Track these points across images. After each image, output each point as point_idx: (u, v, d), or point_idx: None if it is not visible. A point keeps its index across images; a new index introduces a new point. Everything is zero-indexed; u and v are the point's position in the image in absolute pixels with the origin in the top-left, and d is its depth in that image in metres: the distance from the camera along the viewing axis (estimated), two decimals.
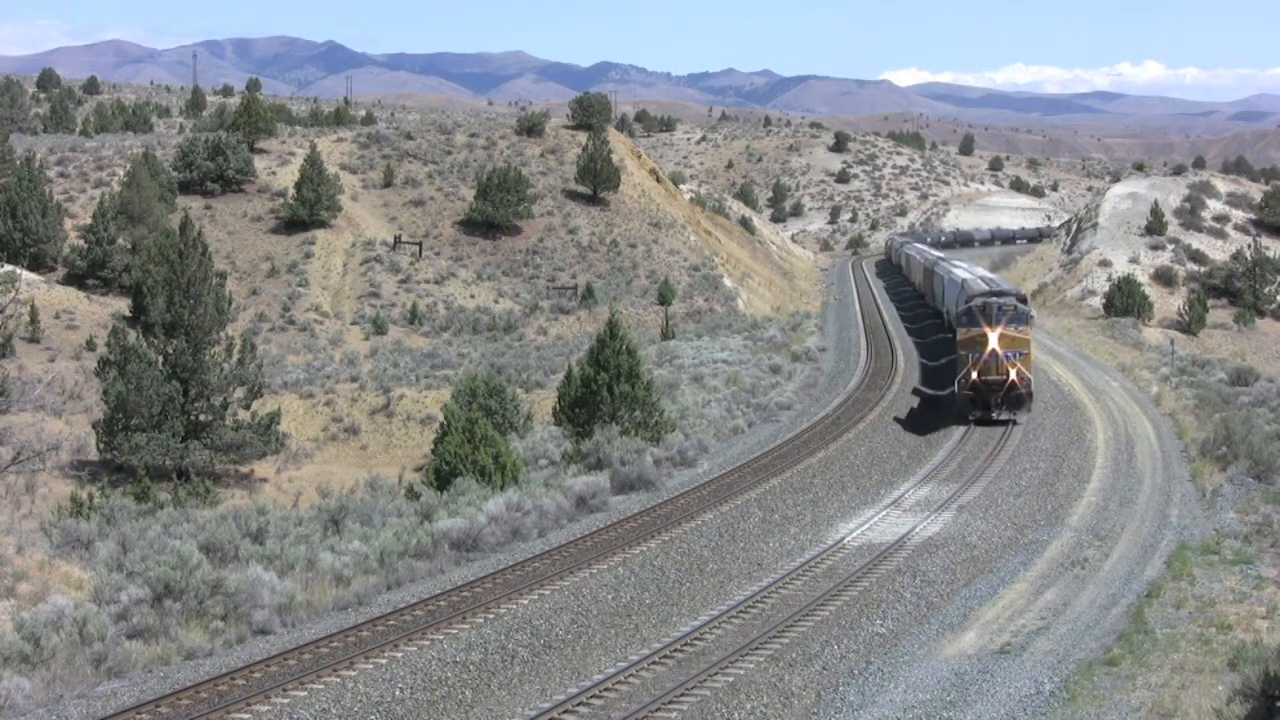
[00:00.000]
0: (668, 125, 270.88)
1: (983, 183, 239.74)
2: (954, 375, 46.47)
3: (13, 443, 40.81)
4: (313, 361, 66.89)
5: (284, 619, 23.88)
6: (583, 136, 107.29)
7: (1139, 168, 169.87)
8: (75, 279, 73.79)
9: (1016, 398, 43.70)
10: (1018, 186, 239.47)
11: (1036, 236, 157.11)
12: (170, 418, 44.11)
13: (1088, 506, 33.01)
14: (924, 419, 46.12)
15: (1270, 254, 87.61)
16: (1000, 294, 49.05)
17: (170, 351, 45.30)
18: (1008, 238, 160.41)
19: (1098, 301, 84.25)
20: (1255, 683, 18.35)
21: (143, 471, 38.49)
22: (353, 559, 26.93)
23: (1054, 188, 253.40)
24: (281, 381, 58.75)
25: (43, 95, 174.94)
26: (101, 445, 44.06)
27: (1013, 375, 43.52)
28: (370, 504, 31.85)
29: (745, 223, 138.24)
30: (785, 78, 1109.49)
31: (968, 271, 65.91)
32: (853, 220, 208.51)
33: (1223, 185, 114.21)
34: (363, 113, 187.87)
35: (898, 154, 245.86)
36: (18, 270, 54.18)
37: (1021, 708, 19.58)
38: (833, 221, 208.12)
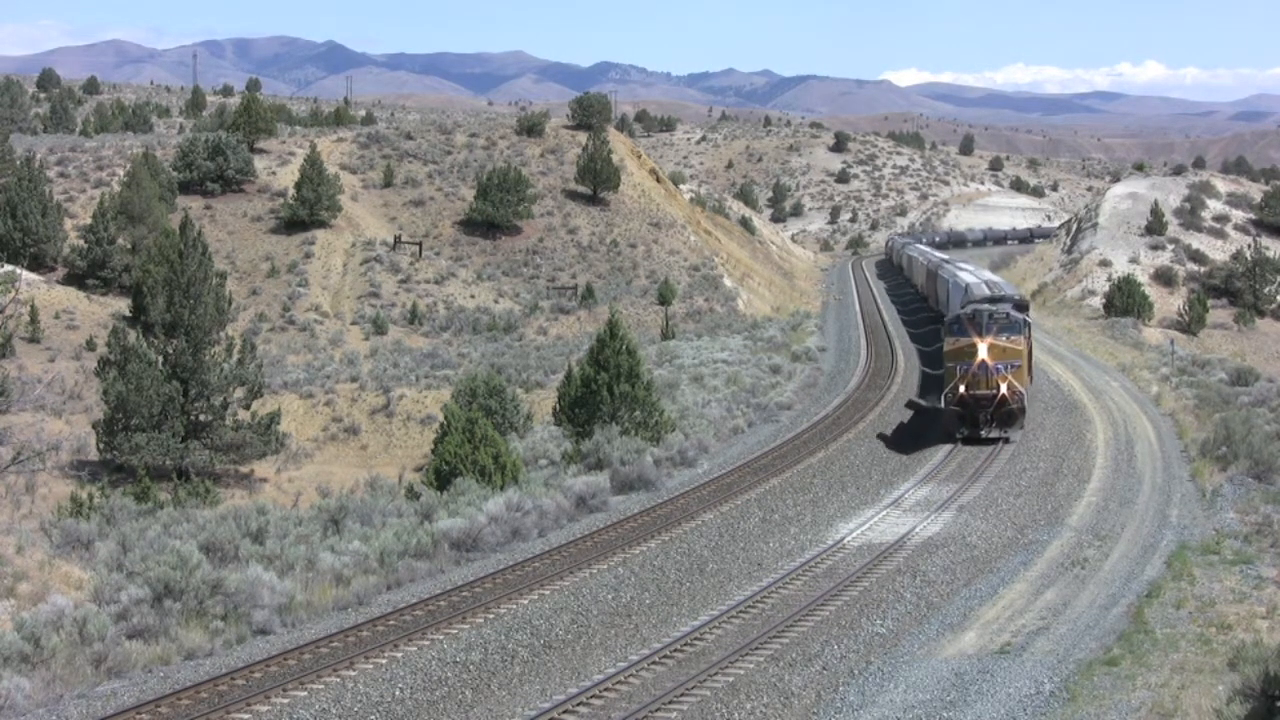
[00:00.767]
0: (668, 125, 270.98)
1: (983, 183, 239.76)
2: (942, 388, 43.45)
3: (13, 443, 40.81)
4: (313, 361, 66.90)
5: (284, 619, 23.88)
6: (583, 136, 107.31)
7: (1139, 168, 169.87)
8: (75, 279, 73.80)
9: (1008, 414, 40.56)
10: (1018, 186, 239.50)
11: (1028, 237, 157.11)
12: (170, 418, 44.11)
13: (1088, 506, 33.01)
14: (921, 427, 46.07)
15: (1270, 254, 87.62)
16: (998, 299, 47.26)
17: (170, 351, 45.30)
18: (999, 238, 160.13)
19: (1098, 301, 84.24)
20: (1255, 683, 18.35)
21: (143, 471, 38.49)
22: (353, 559, 26.93)
23: (1054, 188, 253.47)
24: (281, 381, 58.76)
25: (43, 95, 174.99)
26: (101, 445, 44.05)
27: (1003, 389, 40.23)
28: (370, 504, 31.84)
29: (745, 223, 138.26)
30: (785, 78, 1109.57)
31: (973, 275, 64.62)
32: (853, 220, 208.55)
33: (1223, 185, 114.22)
34: (363, 113, 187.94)
35: (898, 154, 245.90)
36: (18, 270, 54.19)
37: (1021, 708, 19.57)
38: (833, 221, 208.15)
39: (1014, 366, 40.88)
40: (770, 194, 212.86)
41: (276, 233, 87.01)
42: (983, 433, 40.56)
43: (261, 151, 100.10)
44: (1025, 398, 41.00)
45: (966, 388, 40.65)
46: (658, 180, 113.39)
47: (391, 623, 23.60)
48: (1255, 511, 31.56)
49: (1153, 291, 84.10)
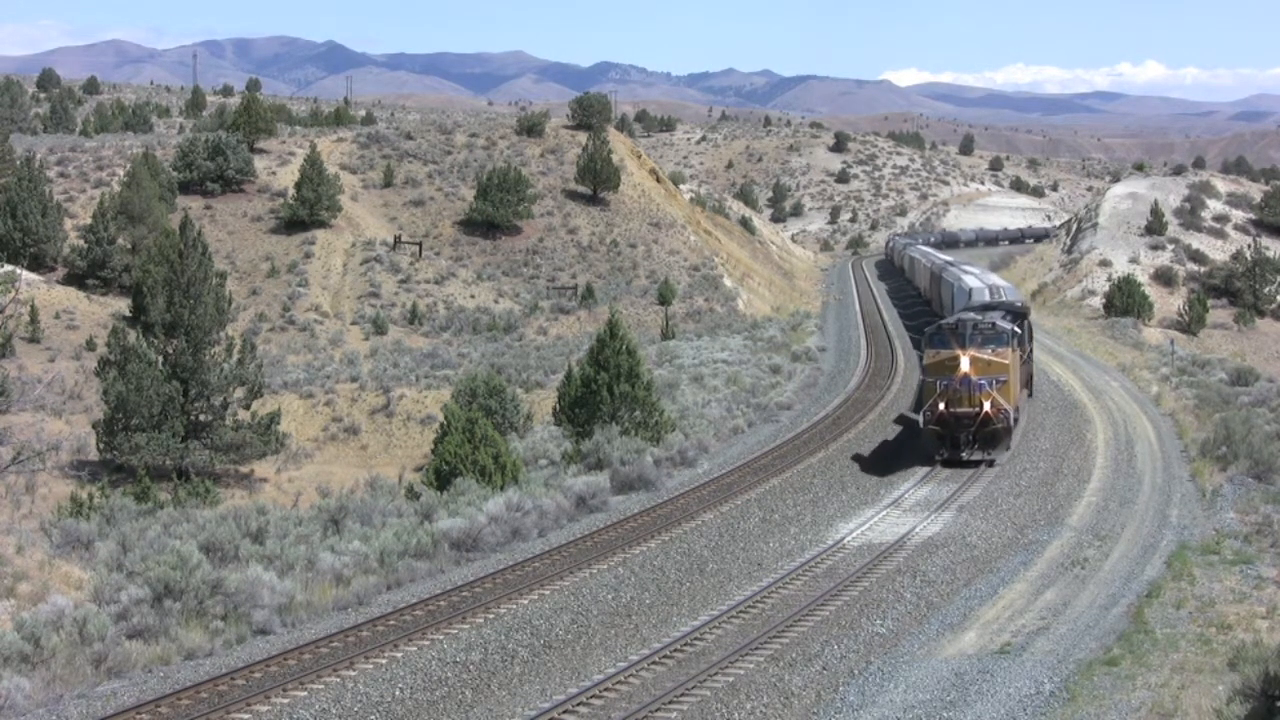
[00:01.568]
0: (668, 125, 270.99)
1: (983, 183, 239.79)
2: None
3: (13, 443, 40.78)
4: (313, 361, 66.90)
5: (284, 619, 23.88)
6: (583, 136, 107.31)
7: (1139, 168, 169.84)
8: (75, 279, 73.81)
9: (991, 434, 37.39)
10: (1018, 186, 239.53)
11: (1019, 237, 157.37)
12: (170, 418, 44.11)
13: (1088, 506, 33.01)
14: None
15: (1270, 254, 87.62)
16: (991, 307, 45.33)
17: (170, 351, 45.30)
18: (991, 239, 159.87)
19: (1098, 301, 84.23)
20: (1255, 683, 18.34)
21: (143, 471, 38.50)
22: (353, 559, 26.93)
23: (1054, 188, 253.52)
24: (281, 381, 58.76)
25: (43, 95, 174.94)
26: (101, 445, 44.05)
27: (986, 407, 36.94)
28: (370, 504, 31.84)
29: (745, 223, 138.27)
30: (785, 78, 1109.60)
31: (978, 279, 63.16)
32: (853, 220, 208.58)
33: (1223, 185, 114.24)
34: (363, 113, 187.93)
35: (898, 154, 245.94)
36: (18, 270, 54.19)
37: (1021, 708, 19.57)
38: (833, 221, 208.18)
39: (999, 382, 37.49)
40: (770, 194, 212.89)
41: (276, 233, 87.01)
42: (964, 454, 37.41)
43: (261, 151, 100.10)
44: (1012, 416, 37.56)
45: (946, 405, 37.32)
46: (658, 180, 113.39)
47: (391, 623, 23.60)
48: (1255, 511, 31.57)
49: (1153, 291, 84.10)
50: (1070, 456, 38.88)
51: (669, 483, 36.38)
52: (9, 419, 46.45)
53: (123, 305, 68.16)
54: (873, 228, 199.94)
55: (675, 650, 22.54)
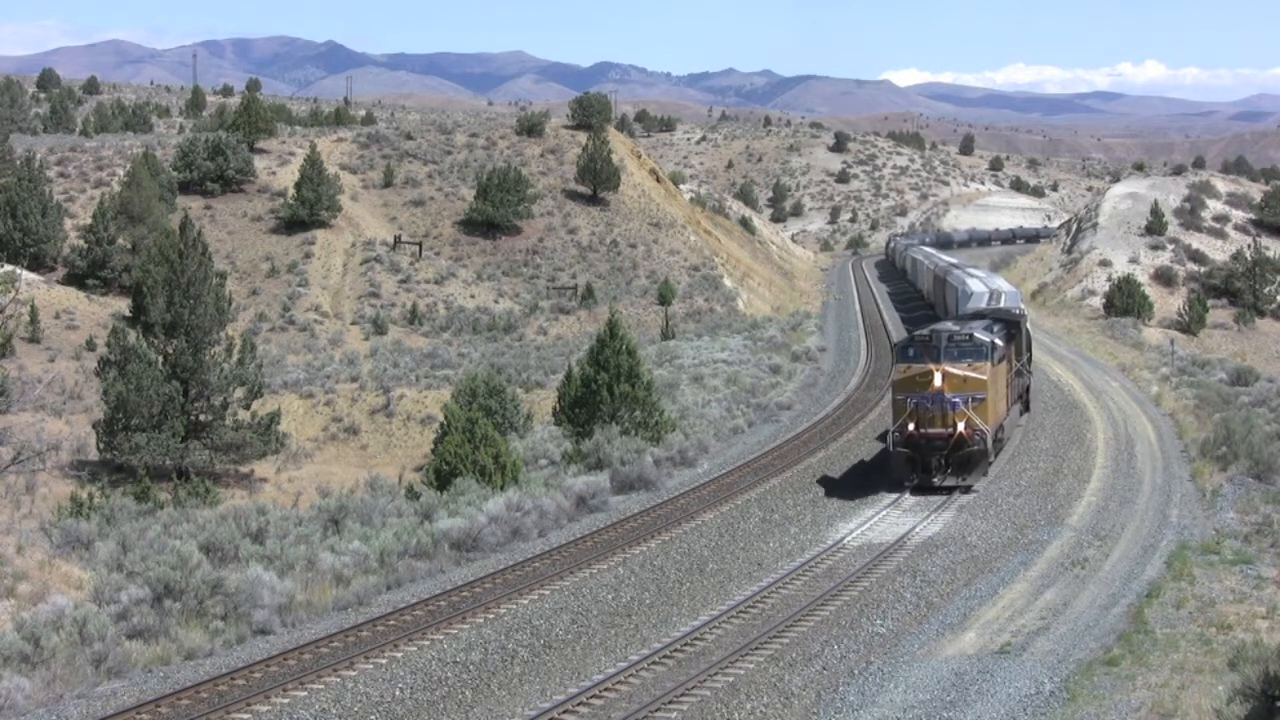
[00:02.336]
0: (668, 125, 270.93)
1: (983, 183, 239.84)
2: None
3: (13, 443, 40.77)
4: (313, 361, 66.90)
5: (284, 619, 23.88)
6: (583, 136, 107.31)
7: (1139, 168, 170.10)
8: (75, 279, 73.81)
9: (965, 457, 34.04)
10: (1018, 186, 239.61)
11: (1010, 238, 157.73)
12: (170, 418, 44.10)
13: (1088, 506, 33.01)
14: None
15: (1270, 254, 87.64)
16: (978, 315, 43.10)
17: (170, 351, 45.30)
18: (984, 239, 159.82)
19: (1098, 301, 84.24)
20: (1255, 683, 18.34)
21: (143, 471, 38.49)
22: (353, 559, 26.94)
23: (1054, 188, 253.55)
24: (281, 381, 58.76)
25: (43, 95, 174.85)
26: (101, 445, 44.04)
27: (960, 428, 33.81)
28: (370, 504, 31.85)
29: (745, 223, 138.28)
30: (785, 78, 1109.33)
31: (983, 283, 61.27)
32: (853, 220, 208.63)
33: (1223, 185, 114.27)
34: (363, 113, 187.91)
35: (898, 154, 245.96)
36: (18, 270, 54.20)
37: (1021, 708, 19.57)
38: (833, 221, 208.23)
39: (976, 400, 34.13)
40: (770, 194, 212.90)
41: (276, 233, 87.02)
42: (935, 480, 33.99)
43: (261, 151, 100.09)
44: (989, 437, 34.27)
45: (916, 425, 34.08)
46: (658, 180, 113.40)
47: (391, 623, 23.60)
48: (1255, 511, 31.57)
49: (1153, 291, 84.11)
50: (1070, 456, 38.88)
51: (669, 483, 36.38)
52: (9, 419, 46.45)
53: (123, 305, 68.14)
54: (873, 228, 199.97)
55: (675, 650, 22.55)
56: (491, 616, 24.07)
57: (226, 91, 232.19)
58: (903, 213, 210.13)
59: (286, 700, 19.86)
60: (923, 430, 34.10)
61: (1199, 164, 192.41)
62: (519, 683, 21.48)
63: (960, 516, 31.92)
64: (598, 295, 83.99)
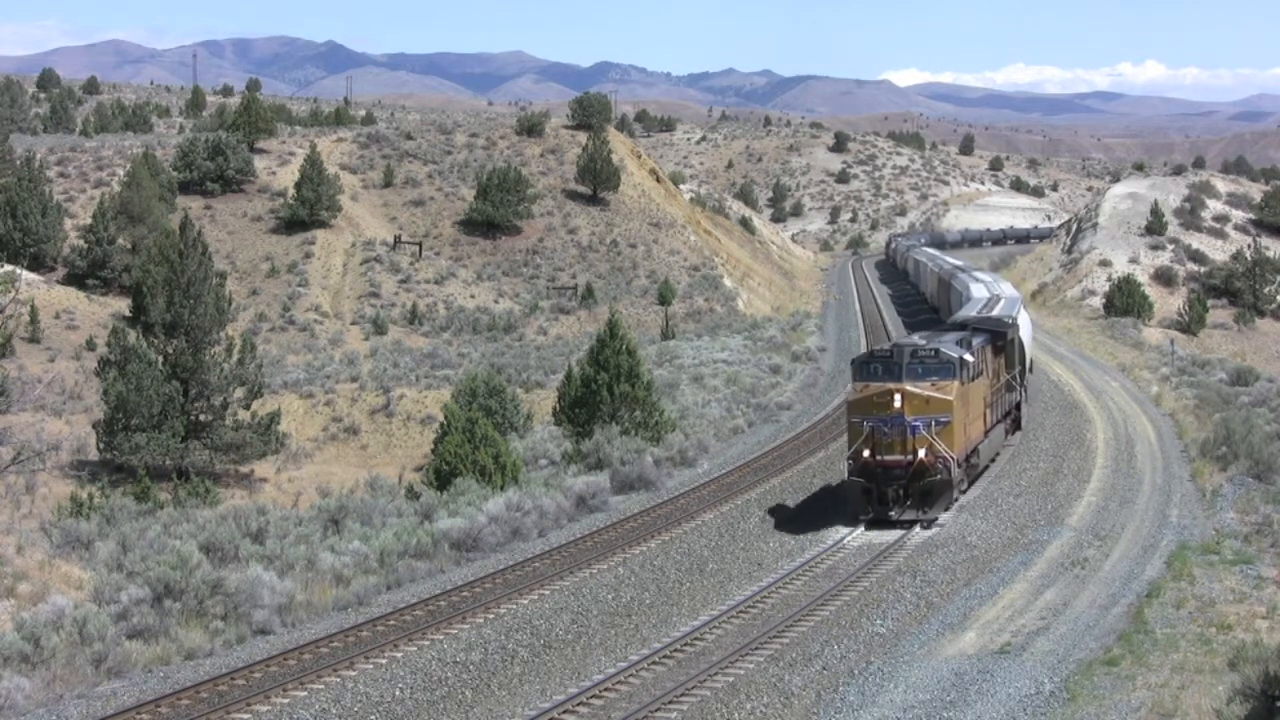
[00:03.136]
0: (668, 125, 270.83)
1: (983, 183, 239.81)
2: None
3: (13, 443, 40.77)
4: (313, 361, 66.91)
5: (284, 619, 23.89)
6: (583, 136, 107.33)
7: (1139, 168, 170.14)
8: (75, 279, 73.82)
9: (926, 488, 30.69)
10: (1018, 186, 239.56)
11: (1001, 238, 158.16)
12: (170, 418, 44.11)
13: (1088, 506, 33.01)
14: None
15: (1270, 254, 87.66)
16: (959, 325, 40.07)
17: (170, 351, 45.32)
18: (975, 239, 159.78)
19: (1098, 301, 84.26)
20: (1255, 683, 18.35)
21: (143, 471, 38.51)
22: (353, 559, 26.94)
23: (1054, 188, 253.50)
24: (281, 381, 58.77)
25: (43, 95, 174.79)
26: (101, 445, 44.05)
27: (921, 454, 30.46)
28: (370, 504, 31.86)
29: (745, 223, 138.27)
30: (785, 78, 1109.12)
31: (989, 288, 59.37)
32: (853, 220, 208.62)
33: (1223, 185, 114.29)
34: (363, 113, 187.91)
35: (898, 154, 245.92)
36: (18, 270, 54.20)
37: (1021, 708, 19.58)
38: (833, 221, 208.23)
39: (940, 423, 30.73)
40: (770, 194, 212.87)
41: (276, 233, 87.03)
42: (892, 514, 30.65)
43: (261, 151, 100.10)
44: (954, 465, 31.03)
45: (872, 451, 30.67)
46: (658, 180, 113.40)
47: (391, 623, 23.61)
48: (1255, 511, 31.57)
49: (1153, 291, 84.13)
50: (1070, 456, 38.87)
51: (669, 483, 36.38)
52: (9, 419, 46.45)
53: (123, 305, 68.15)
54: (873, 228, 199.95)
55: (675, 650, 22.55)
56: (491, 616, 24.08)
57: (226, 91, 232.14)
58: (902, 213, 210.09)
59: (286, 700, 19.87)
60: (879, 457, 30.67)
61: (1199, 164, 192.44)
62: (519, 683, 21.48)
63: (960, 516, 31.90)
64: (598, 295, 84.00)
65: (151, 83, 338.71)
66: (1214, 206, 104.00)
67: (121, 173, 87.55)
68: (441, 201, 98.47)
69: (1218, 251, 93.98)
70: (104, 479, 40.39)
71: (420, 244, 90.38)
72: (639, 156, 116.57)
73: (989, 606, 25.00)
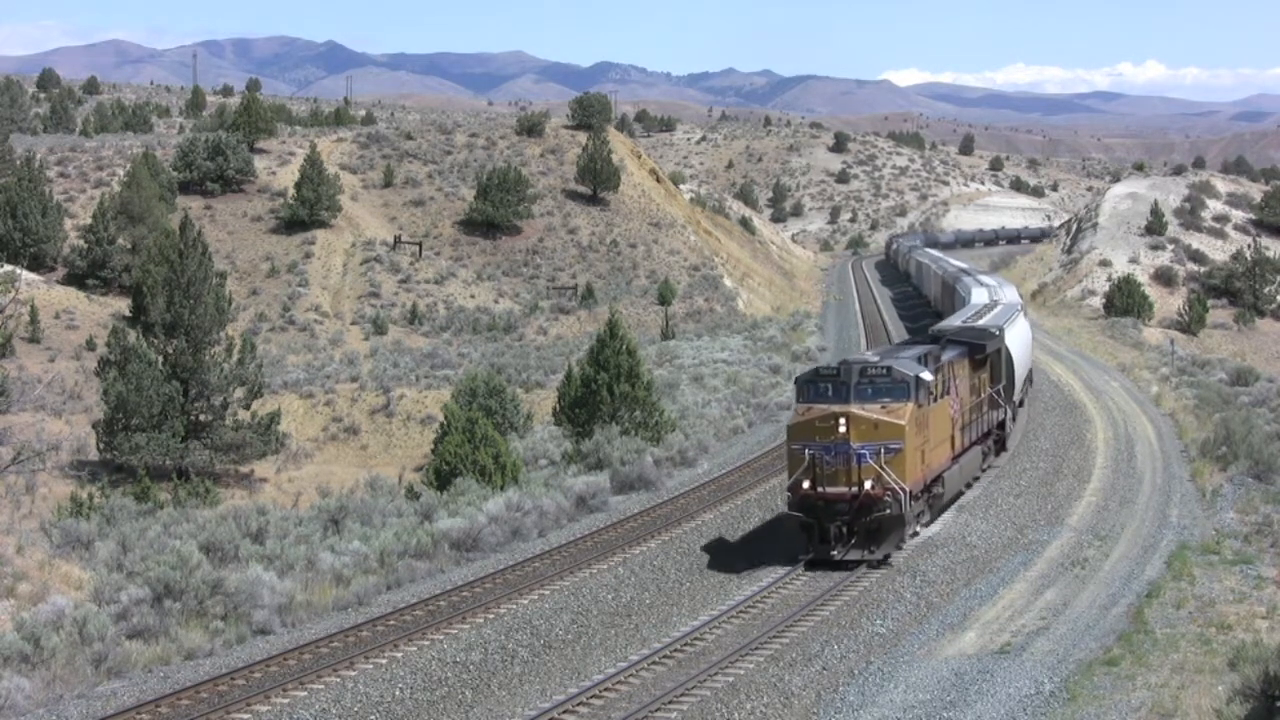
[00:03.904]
0: (668, 125, 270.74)
1: (983, 183, 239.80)
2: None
3: (13, 443, 40.79)
4: (313, 361, 66.92)
5: (284, 619, 23.89)
6: (583, 136, 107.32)
7: (1139, 168, 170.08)
8: (75, 279, 73.82)
9: (873, 524, 27.38)
10: (1018, 186, 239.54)
11: (993, 239, 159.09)
12: (170, 418, 44.11)
13: (1088, 506, 33.02)
14: None
15: (1270, 254, 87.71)
16: (932, 339, 36.56)
17: (170, 351, 45.32)
18: (968, 240, 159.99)
19: (1098, 301, 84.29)
20: (1255, 683, 18.36)
21: (143, 471, 38.50)
22: (353, 559, 26.95)
23: (1054, 188, 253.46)
24: (281, 381, 58.76)
25: (43, 95, 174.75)
26: (101, 445, 44.06)
27: (868, 486, 27.14)
28: (370, 504, 31.86)
29: (745, 223, 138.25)
30: (785, 78, 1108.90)
31: (990, 294, 58.17)
32: (853, 220, 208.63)
33: (1223, 185, 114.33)
34: (363, 113, 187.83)
35: (898, 154, 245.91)
36: (18, 270, 54.20)
37: (1021, 708, 19.58)
38: (833, 221, 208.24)
39: (890, 450, 27.33)
40: (770, 194, 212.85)
41: (276, 233, 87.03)
42: (835, 553, 27.39)
43: (261, 151, 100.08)
44: (906, 498, 27.48)
45: (813, 482, 27.47)
46: (658, 180, 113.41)
47: (391, 623, 23.61)
48: (1255, 511, 31.58)
49: (1153, 291, 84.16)
50: (1070, 456, 38.87)
51: (669, 483, 36.38)
52: (9, 419, 46.45)
53: (123, 305, 68.14)
54: (873, 228, 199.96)
55: (675, 650, 22.55)
56: (491, 616, 24.08)
57: (226, 91, 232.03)
58: (902, 213, 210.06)
59: (286, 700, 19.87)
60: (821, 489, 27.41)
61: (1199, 164, 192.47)
62: (519, 683, 21.49)
63: (960, 516, 31.91)
64: (598, 295, 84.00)
65: (151, 83, 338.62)
66: (1214, 206, 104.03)
67: (121, 173, 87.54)
68: (441, 201, 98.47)
69: (1218, 251, 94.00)
70: (104, 479, 40.39)
71: (420, 244, 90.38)
72: (639, 156, 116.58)
73: (989, 606, 25.00)
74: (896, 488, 27.26)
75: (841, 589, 25.97)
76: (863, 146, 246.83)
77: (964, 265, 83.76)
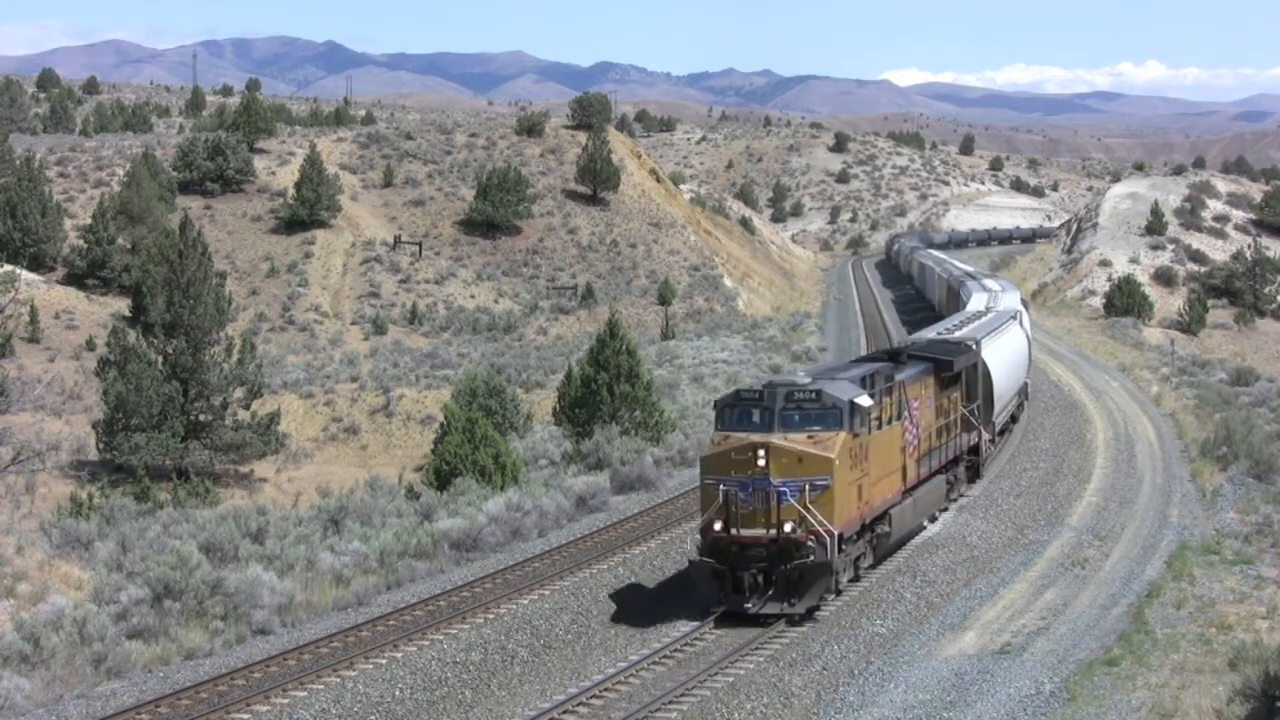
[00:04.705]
0: (668, 125, 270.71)
1: (983, 183, 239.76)
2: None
3: (13, 443, 40.78)
4: (313, 361, 66.94)
5: (284, 619, 23.89)
6: (583, 136, 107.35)
7: (1139, 168, 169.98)
8: (75, 279, 73.85)
9: (794, 573, 23.48)
10: (1018, 186, 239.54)
11: (986, 239, 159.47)
12: (170, 418, 44.13)
13: (1088, 506, 33.01)
14: None
15: (1270, 254, 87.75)
16: (890, 354, 32.18)
17: (170, 351, 45.35)
18: (961, 241, 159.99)
19: (1098, 301, 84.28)
20: (1255, 683, 18.37)
21: (143, 471, 38.50)
22: (353, 559, 26.94)
23: (1054, 188, 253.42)
24: (281, 381, 58.78)
25: (43, 95, 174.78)
26: (101, 445, 44.07)
27: (787, 529, 23.44)
28: (370, 504, 31.87)
29: (745, 223, 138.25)
30: (785, 78, 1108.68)
31: (990, 300, 55.25)
32: (853, 220, 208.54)
33: (1223, 185, 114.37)
34: (363, 113, 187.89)
35: (898, 154, 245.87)
36: (18, 270, 54.19)
37: (1021, 708, 19.57)
38: (833, 221, 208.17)
39: (816, 487, 23.56)
40: (770, 194, 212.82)
41: (276, 233, 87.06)
42: (749, 606, 23.56)
43: (261, 151, 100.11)
44: (833, 543, 23.67)
45: (725, 523, 23.82)
46: (658, 180, 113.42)
47: (391, 623, 23.61)
48: (1255, 511, 31.58)
49: (1153, 291, 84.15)
50: (1070, 456, 38.87)
51: (669, 483, 36.39)
52: (9, 419, 46.45)
53: (123, 305, 68.15)
54: (873, 228, 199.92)
55: (675, 650, 22.53)
56: (491, 616, 24.07)
57: (226, 91, 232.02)
58: (903, 213, 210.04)
59: (286, 700, 19.87)
60: (735, 531, 23.74)
61: (1199, 164, 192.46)
62: (519, 683, 21.49)
63: (960, 516, 31.90)
64: (598, 295, 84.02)
65: (151, 83, 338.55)
66: (1214, 206, 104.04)
67: (121, 173, 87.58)
68: (441, 201, 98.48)
69: (1218, 251, 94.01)
70: (104, 479, 40.39)
71: (420, 244, 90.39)
72: (639, 156, 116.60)
73: (989, 607, 24.99)
74: (822, 530, 23.48)
75: (841, 589, 25.92)
76: (863, 146, 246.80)
77: (969, 268, 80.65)
